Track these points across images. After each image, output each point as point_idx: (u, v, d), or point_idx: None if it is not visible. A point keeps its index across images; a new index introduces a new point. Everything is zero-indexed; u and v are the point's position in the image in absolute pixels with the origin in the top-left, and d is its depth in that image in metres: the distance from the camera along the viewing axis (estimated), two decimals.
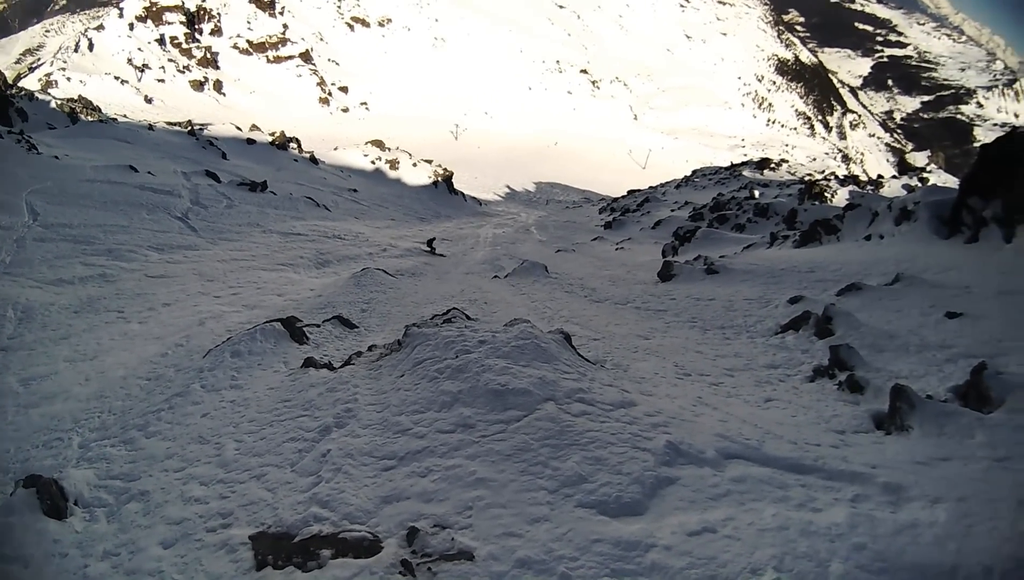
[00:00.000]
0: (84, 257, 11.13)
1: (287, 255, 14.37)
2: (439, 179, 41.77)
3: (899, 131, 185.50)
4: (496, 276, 13.51)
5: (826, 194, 24.02)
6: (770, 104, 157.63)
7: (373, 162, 41.61)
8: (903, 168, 51.11)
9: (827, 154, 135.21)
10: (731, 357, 7.39)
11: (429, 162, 43.75)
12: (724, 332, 8.41)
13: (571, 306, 10.05)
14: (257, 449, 4.41)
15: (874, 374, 6.24)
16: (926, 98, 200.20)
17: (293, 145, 39.10)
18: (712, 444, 4.10)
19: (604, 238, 24.33)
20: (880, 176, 38.39)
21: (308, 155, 38.71)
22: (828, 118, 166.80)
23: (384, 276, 11.83)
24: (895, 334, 7.06)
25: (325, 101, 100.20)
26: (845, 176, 39.94)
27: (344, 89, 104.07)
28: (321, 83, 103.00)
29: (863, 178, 37.16)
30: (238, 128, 39.25)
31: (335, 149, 43.25)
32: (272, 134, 39.30)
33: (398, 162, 42.16)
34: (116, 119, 33.91)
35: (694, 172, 51.27)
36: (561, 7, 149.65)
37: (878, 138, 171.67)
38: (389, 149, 43.76)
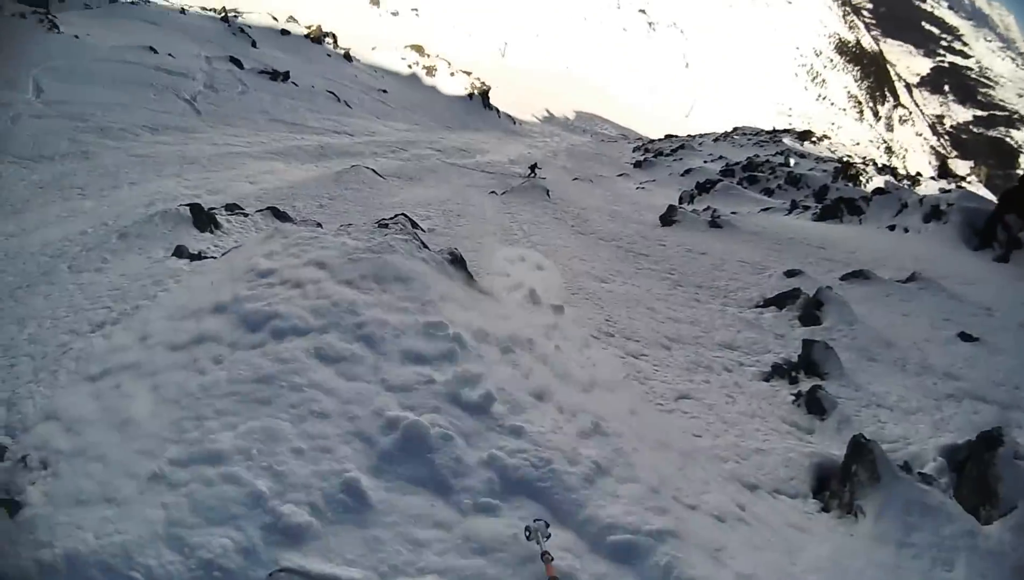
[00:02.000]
0: (74, 134, 10.96)
1: (285, 146, 14.37)
2: (475, 91, 40.77)
3: (946, 137, 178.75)
4: (493, 192, 13.14)
5: (861, 178, 23.64)
6: (823, 80, 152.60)
7: (410, 66, 40.59)
8: (943, 172, 49.70)
9: (871, 142, 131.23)
10: (685, 323, 6.44)
11: (468, 74, 42.76)
12: (698, 292, 7.66)
13: (548, 233, 9.72)
14: (40, 337, 4.33)
15: (849, 392, 5.12)
16: (979, 113, 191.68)
17: (329, 40, 38.23)
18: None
19: (629, 176, 23.87)
20: (919, 174, 37.11)
21: (343, 52, 37.92)
22: (879, 107, 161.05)
23: (371, 176, 11.69)
24: (894, 342, 6.12)
25: (375, 2, 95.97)
26: (884, 165, 38.83)
27: None
28: None
29: (901, 172, 36.06)
30: (274, 18, 38.28)
31: (373, 48, 42.06)
32: (308, 27, 38.21)
33: (435, 69, 41.12)
34: (150, 0, 32.83)
35: (735, 129, 50.37)
36: None
37: (924, 138, 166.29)
38: (428, 56, 42.59)
